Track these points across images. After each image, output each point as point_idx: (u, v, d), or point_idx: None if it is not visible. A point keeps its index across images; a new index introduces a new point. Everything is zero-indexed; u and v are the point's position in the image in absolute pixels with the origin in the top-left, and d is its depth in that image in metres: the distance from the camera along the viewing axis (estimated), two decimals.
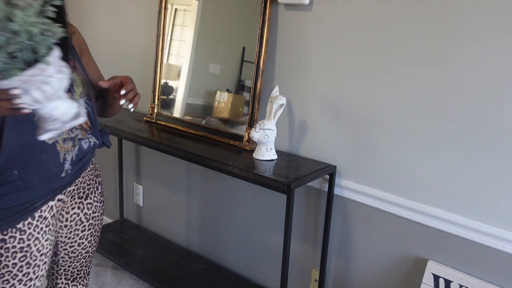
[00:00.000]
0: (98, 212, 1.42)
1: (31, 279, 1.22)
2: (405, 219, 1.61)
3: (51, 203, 1.23)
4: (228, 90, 1.99)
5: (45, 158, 1.16)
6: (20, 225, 1.16)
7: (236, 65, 1.94)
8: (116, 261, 2.29)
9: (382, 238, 1.68)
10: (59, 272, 1.45)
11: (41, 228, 1.21)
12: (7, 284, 1.18)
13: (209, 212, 2.27)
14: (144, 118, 2.22)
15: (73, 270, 1.46)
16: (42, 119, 1.01)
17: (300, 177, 1.56)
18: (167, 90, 2.22)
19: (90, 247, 1.45)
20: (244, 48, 1.90)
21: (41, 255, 1.22)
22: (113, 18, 2.52)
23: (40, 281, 1.26)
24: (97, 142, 1.32)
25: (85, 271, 1.51)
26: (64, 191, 1.26)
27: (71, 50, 1.25)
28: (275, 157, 1.72)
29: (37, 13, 0.92)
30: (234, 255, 2.21)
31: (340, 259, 1.83)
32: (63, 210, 1.32)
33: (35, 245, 1.20)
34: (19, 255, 1.17)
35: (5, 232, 1.15)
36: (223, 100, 2.01)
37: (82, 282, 1.52)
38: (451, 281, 1.50)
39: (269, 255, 2.05)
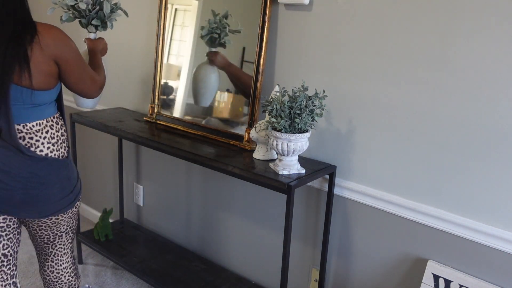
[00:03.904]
0: None
1: None
2: (405, 219, 1.61)
3: None
4: (228, 90, 1.99)
5: None
6: None
7: (236, 65, 1.94)
8: (116, 261, 2.29)
9: (382, 238, 1.68)
10: None
11: None
12: None
13: (209, 212, 2.27)
14: (144, 118, 2.22)
15: None
16: None
17: (300, 177, 1.56)
18: (167, 90, 2.22)
19: None
20: (244, 48, 1.90)
21: None
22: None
23: None
24: None
25: None
26: None
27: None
28: (275, 157, 1.72)
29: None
30: (234, 255, 2.21)
31: (340, 259, 1.83)
32: None
33: None
34: None
35: None
36: (223, 100, 2.01)
37: None
38: (451, 281, 1.50)
39: (269, 255, 2.05)
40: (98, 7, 1.66)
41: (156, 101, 2.20)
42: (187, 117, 2.12)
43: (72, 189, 1.45)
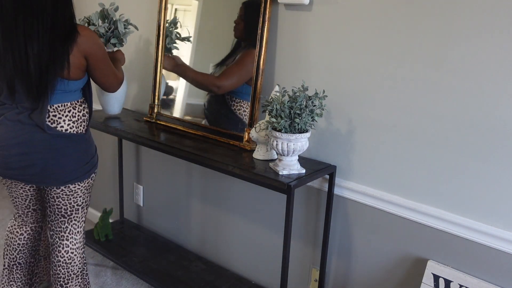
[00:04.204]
0: None
1: None
2: (405, 219, 1.61)
3: None
4: None
5: None
6: None
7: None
8: (116, 261, 2.29)
9: (382, 238, 1.68)
10: None
11: None
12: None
13: (209, 212, 2.27)
14: (144, 118, 2.22)
15: None
16: None
17: (300, 177, 1.56)
18: (167, 90, 2.22)
19: None
20: None
21: None
22: None
23: None
24: None
25: None
26: None
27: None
28: (275, 157, 1.72)
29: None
30: (234, 255, 2.21)
31: (340, 259, 1.83)
32: None
33: None
34: None
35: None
36: None
37: None
38: (451, 281, 1.50)
39: (269, 255, 2.05)
40: (113, 27, 2.00)
41: (156, 101, 2.20)
42: (187, 117, 2.12)
43: (88, 160, 1.69)
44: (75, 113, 1.62)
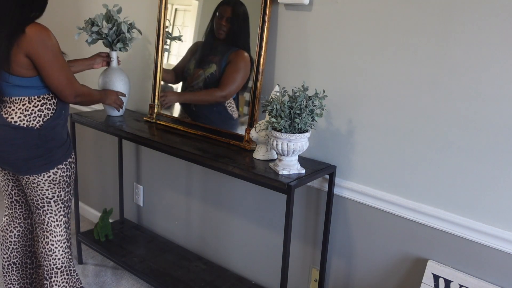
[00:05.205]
0: None
1: None
2: (405, 219, 1.61)
3: None
4: None
5: None
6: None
7: None
8: (116, 261, 2.29)
9: (382, 238, 1.68)
10: None
11: None
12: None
13: (209, 212, 2.27)
14: (144, 118, 2.22)
15: None
16: None
17: (300, 177, 1.56)
18: (167, 90, 2.21)
19: None
20: None
21: None
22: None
23: None
24: None
25: None
26: None
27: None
28: (275, 157, 1.72)
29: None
30: (234, 255, 2.21)
31: (340, 259, 1.83)
32: None
33: None
34: None
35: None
36: None
37: None
38: (451, 281, 1.50)
39: (269, 255, 2.05)
40: (116, 28, 2.03)
41: (156, 101, 2.20)
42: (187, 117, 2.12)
43: (41, 154, 1.68)
44: (29, 107, 1.64)
